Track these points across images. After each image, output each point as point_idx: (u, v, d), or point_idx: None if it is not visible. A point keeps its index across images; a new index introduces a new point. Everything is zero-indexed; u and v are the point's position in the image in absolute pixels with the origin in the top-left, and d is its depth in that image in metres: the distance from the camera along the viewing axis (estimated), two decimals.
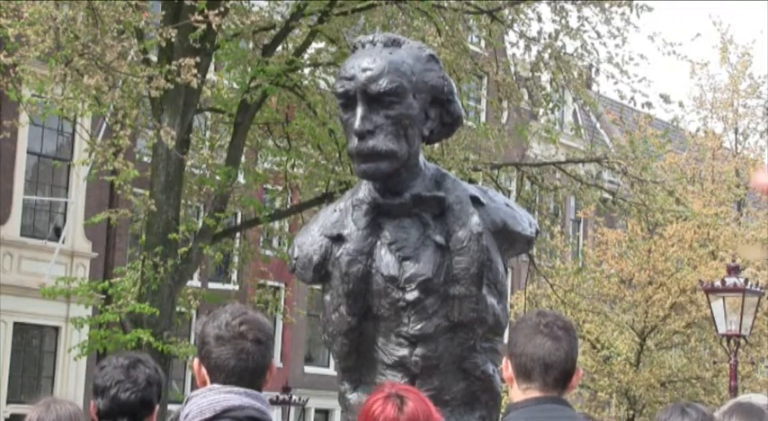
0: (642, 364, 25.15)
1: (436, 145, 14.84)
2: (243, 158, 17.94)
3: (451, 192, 4.32)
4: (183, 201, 16.31)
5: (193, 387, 17.89)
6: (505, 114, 21.59)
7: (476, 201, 4.34)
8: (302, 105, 17.05)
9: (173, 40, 13.02)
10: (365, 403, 3.16)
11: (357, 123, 4.16)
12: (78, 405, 4.38)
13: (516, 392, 3.40)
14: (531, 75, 17.46)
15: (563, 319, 3.51)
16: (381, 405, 3.09)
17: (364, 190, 4.35)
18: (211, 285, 23.80)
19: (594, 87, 21.79)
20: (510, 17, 17.05)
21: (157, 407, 3.82)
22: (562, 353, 3.35)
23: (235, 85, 17.74)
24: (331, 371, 25.85)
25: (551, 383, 3.35)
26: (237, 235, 19.37)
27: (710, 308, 15.98)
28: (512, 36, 17.56)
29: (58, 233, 21.95)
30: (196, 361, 3.36)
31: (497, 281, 4.35)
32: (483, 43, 19.52)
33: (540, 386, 3.35)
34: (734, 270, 15.83)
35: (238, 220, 20.41)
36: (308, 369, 29.50)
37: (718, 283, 15.73)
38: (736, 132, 29.69)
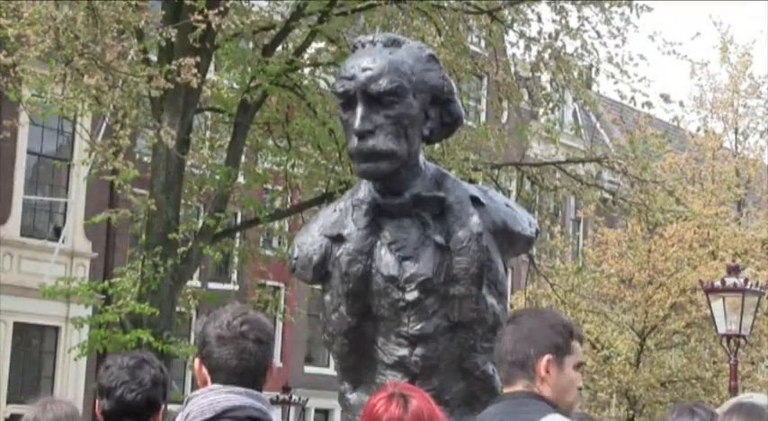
0: (642, 364, 25.17)
1: (436, 145, 14.84)
2: (243, 158, 17.94)
3: (451, 192, 4.32)
4: (182, 201, 16.31)
5: (193, 387, 17.90)
6: (505, 114, 21.59)
7: (476, 201, 4.34)
8: (302, 105, 17.05)
9: (173, 39, 13.02)
10: (368, 402, 3.16)
11: (357, 123, 4.17)
12: (75, 405, 4.38)
13: None
14: (531, 75, 17.47)
15: (520, 313, 3.55)
16: (385, 404, 3.09)
17: (364, 190, 4.35)
18: (211, 285, 23.81)
19: (594, 87, 21.78)
20: (510, 17, 17.05)
21: (163, 407, 3.81)
22: (507, 344, 3.38)
23: (235, 85, 17.74)
24: (331, 370, 25.84)
25: (508, 378, 3.37)
26: (237, 235, 19.37)
27: (710, 308, 15.97)
28: (512, 36, 17.57)
29: (57, 233, 21.95)
30: (197, 361, 3.35)
31: (497, 281, 4.35)
32: (483, 43, 19.52)
33: (505, 382, 3.40)
34: (734, 270, 15.82)
35: (238, 220, 20.41)
36: (308, 369, 29.51)
37: (718, 283, 15.73)
38: (736, 132, 29.68)
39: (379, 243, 4.30)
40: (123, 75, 12.63)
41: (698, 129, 29.38)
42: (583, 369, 3.46)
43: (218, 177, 16.58)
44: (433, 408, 3.14)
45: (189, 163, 16.54)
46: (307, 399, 26.67)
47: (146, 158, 17.64)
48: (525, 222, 4.50)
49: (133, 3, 12.67)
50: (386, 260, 4.27)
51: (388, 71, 4.19)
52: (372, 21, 16.15)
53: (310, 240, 4.41)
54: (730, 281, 15.45)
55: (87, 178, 16.80)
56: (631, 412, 25.20)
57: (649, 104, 17.97)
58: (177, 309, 16.10)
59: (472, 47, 18.84)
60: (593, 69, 18.16)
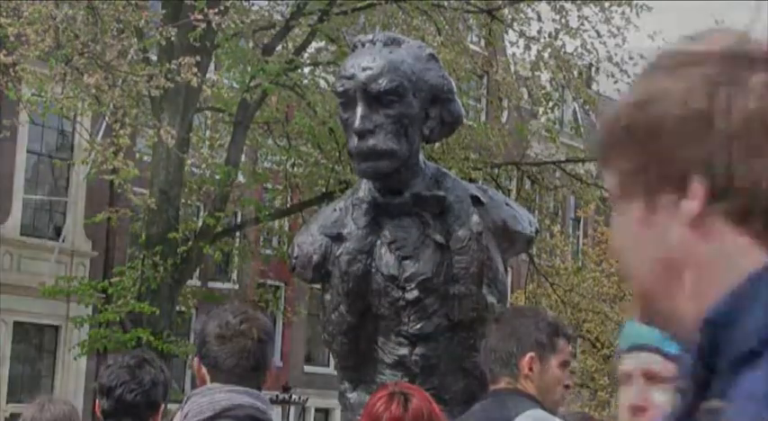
0: None
1: (436, 144, 14.84)
2: (243, 157, 17.95)
3: (451, 191, 4.32)
4: (182, 201, 16.33)
5: (193, 386, 17.90)
6: (505, 113, 21.60)
7: (476, 200, 4.34)
8: (302, 104, 17.07)
9: (173, 38, 13.02)
10: (369, 401, 3.17)
11: (357, 122, 4.16)
12: (73, 405, 4.38)
13: None
14: (531, 74, 17.48)
15: (505, 312, 3.56)
16: (386, 403, 3.10)
17: (364, 189, 4.35)
18: (211, 284, 23.79)
19: (594, 86, 21.78)
20: (510, 16, 17.08)
21: (163, 407, 3.82)
22: (492, 342, 3.41)
23: (235, 84, 17.74)
24: (331, 370, 25.84)
25: (493, 375, 3.40)
26: (237, 234, 19.38)
27: None
28: (512, 35, 17.60)
29: (57, 232, 21.94)
30: (196, 360, 3.35)
31: (497, 280, 4.35)
32: (483, 42, 19.54)
33: (490, 380, 3.43)
34: None
35: (238, 220, 20.42)
36: (308, 368, 29.49)
37: None
38: None
39: (379, 242, 4.30)
40: (123, 74, 12.63)
41: None
42: (569, 367, 3.46)
43: (218, 176, 16.59)
44: (433, 408, 3.15)
45: (189, 162, 16.55)
46: (307, 399, 26.66)
47: (146, 158, 17.64)
48: (525, 221, 4.50)
49: (133, 2, 12.69)
50: (386, 259, 4.27)
51: (387, 70, 4.18)
52: (372, 20, 16.17)
53: (310, 239, 4.40)
54: None
55: (87, 177, 16.80)
56: None
57: None
58: (177, 308, 16.12)
59: (472, 46, 18.85)
60: (593, 68, 18.18)
